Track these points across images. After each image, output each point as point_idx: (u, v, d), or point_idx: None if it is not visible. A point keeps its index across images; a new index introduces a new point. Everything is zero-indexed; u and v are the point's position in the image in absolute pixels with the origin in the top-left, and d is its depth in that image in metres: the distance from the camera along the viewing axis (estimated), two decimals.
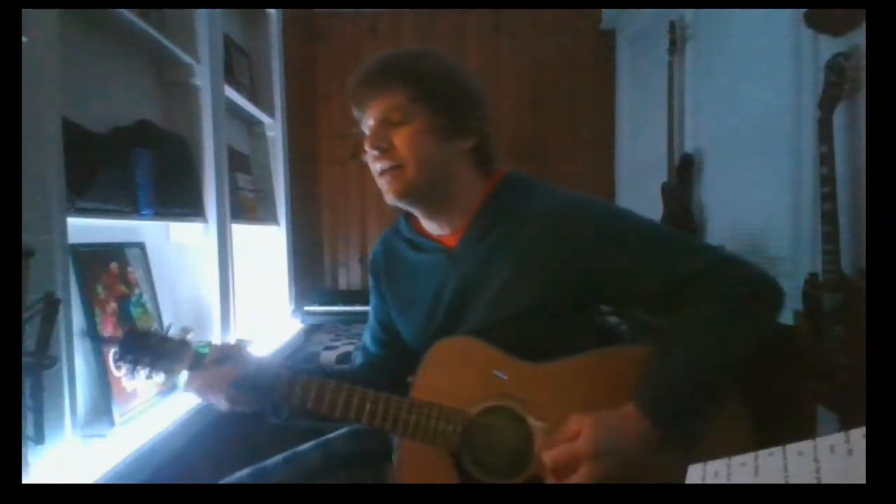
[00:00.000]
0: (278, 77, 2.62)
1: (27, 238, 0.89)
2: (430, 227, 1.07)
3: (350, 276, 3.45)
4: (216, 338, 1.75)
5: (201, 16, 1.72)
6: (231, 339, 1.82)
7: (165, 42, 1.54)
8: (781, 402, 1.08)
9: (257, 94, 2.50)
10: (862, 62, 1.47)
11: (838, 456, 0.48)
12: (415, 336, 1.08)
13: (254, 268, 2.45)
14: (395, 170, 0.97)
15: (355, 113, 1.03)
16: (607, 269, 0.96)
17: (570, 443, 0.84)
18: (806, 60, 1.75)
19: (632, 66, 3.25)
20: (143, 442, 1.22)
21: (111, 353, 1.17)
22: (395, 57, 1.01)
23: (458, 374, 0.95)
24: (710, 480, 0.53)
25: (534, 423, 0.91)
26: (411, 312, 1.09)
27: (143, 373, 1.00)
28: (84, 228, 1.21)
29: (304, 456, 1.12)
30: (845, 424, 1.23)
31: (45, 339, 0.91)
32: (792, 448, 0.51)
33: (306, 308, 2.81)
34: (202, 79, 1.73)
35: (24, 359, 0.86)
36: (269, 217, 2.56)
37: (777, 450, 0.51)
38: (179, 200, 1.61)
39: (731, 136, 2.25)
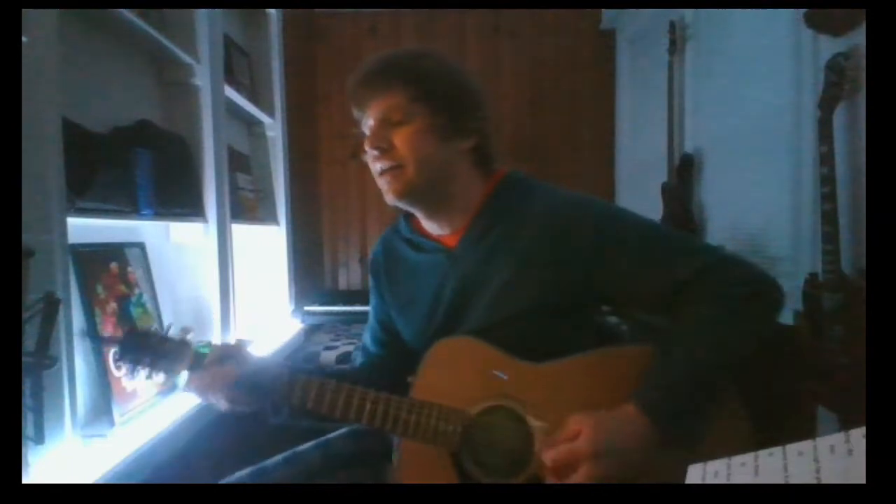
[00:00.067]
0: (278, 77, 2.62)
1: (27, 238, 0.89)
2: (429, 227, 1.07)
3: (350, 276, 3.45)
4: (216, 338, 1.75)
5: (201, 16, 1.72)
6: (231, 339, 1.82)
7: (165, 42, 1.54)
8: (781, 402, 1.08)
9: (257, 94, 2.49)
10: (862, 62, 1.47)
11: (838, 456, 0.48)
12: (415, 336, 1.08)
13: (254, 268, 2.45)
14: (395, 170, 0.97)
15: (355, 113, 1.03)
16: (607, 269, 0.96)
17: (570, 443, 0.84)
18: (806, 60, 1.75)
19: (632, 66, 3.25)
20: (143, 442, 1.22)
21: (111, 353, 1.17)
22: (394, 57, 1.01)
23: (458, 374, 0.95)
24: (710, 480, 0.53)
25: (533, 422, 0.91)
26: (411, 312, 1.09)
27: (143, 373, 1.00)
28: (84, 228, 1.21)
29: (305, 456, 1.12)
30: (845, 424, 1.23)
31: (45, 339, 0.91)
32: (792, 448, 0.51)
33: (306, 308, 2.81)
34: (202, 79, 1.72)
35: (24, 359, 0.86)
36: (269, 217, 2.56)
37: (777, 450, 0.51)
38: (179, 200, 1.61)
39: (731, 136, 2.25)
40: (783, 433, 0.80)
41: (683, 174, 2.53)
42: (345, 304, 2.90)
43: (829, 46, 1.59)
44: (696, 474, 0.54)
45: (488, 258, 1.00)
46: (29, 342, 0.89)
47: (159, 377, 1.02)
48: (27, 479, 0.93)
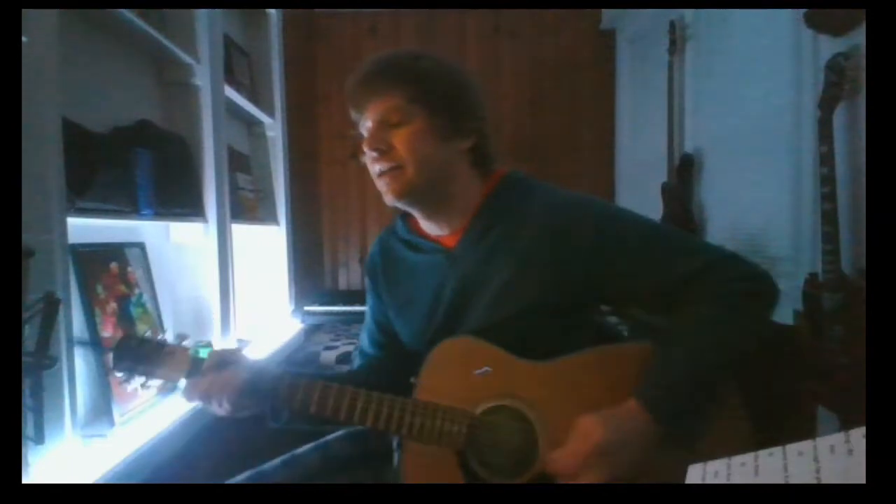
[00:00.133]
0: (278, 77, 2.62)
1: (27, 238, 0.89)
2: (428, 227, 1.07)
3: (350, 276, 3.45)
4: (216, 338, 1.75)
5: (201, 16, 1.72)
6: (231, 339, 1.82)
7: (165, 42, 1.54)
8: (781, 402, 1.08)
9: (257, 94, 2.50)
10: (862, 62, 1.47)
11: (838, 456, 0.48)
12: (413, 337, 1.08)
13: (254, 268, 2.45)
14: (394, 171, 0.97)
15: (353, 114, 1.02)
16: (607, 269, 0.96)
17: (580, 443, 0.84)
18: (806, 60, 1.76)
19: (632, 66, 3.25)
20: (143, 442, 1.22)
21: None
22: (393, 58, 1.00)
23: (461, 374, 0.95)
24: (710, 480, 0.53)
25: (537, 421, 0.92)
26: (410, 313, 1.09)
27: (138, 381, 0.99)
28: (84, 228, 1.21)
29: (303, 459, 1.12)
30: (845, 424, 1.23)
31: (45, 339, 0.91)
32: (792, 448, 0.51)
33: (306, 308, 2.81)
34: (202, 79, 1.73)
35: (24, 359, 0.86)
36: (269, 217, 2.56)
37: (777, 450, 0.51)
38: (179, 200, 1.61)
39: (731, 136, 2.25)
40: (783, 433, 0.80)
41: (683, 174, 2.53)
42: (345, 304, 2.90)
43: (829, 46, 1.59)
44: (696, 474, 0.54)
45: (488, 258, 1.00)
46: (29, 342, 0.89)
47: (156, 384, 1.01)
48: (27, 479, 0.93)
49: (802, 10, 1.64)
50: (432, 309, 1.04)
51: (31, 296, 0.91)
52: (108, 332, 1.25)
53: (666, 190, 2.57)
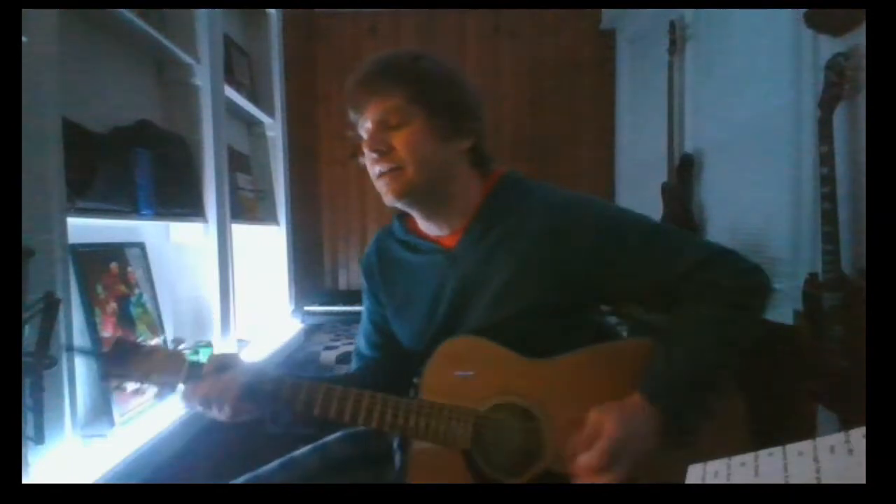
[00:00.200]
0: (278, 77, 2.62)
1: (27, 238, 0.89)
2: (427, 227, 1.07)
3: (350, 276, 3.45)
4: (216, 338, 1.75)
5: (201, 16, 1.72)
6: (231, 340, 1.82)
7: (165, 42, 1.54)
8: (781, 402, 1.08)
9: (257, 94, 2.50)
10: (862, 62, 1.47)
11: (838, 456, 0.48)
12: (412, 337, 1.08)
13: (254, 268, 2.45)
14: (394, 171, 0.97)
15: (351, 115, 1.02)
16: (607, 269, 0.96)
17: (597, 439, 0.84)
18: (806, 60, 1.76)
19: (632, 66, 3.25)
20: (143, 442, 1.22)
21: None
22: (392, 58, 1.00)
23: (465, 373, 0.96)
24: (710, 480, 0.53)
25: (542, 417, 0.92)
26: (408, 313, 1.08)
27: (133, 387, 0.99)
28: (84, 228, 1.21)
29: (302, 461, 1.10)
30: (845, 424, 1.23)
31: (45, 339, 0.91)
32: (792, 448, 0.51)
33: (306, 308, 2.81)
34: (202, 79, 1.72)
35: (24, 359, 0.86)
36: (269, 217, 2.56)
37: (777, 450, 0.51)
38: (179, 200, 1.61)
39: (731, 136, 2.25)
40: (783, 433, 0.80)
41: (683, 174, 2.53)
42: (345, 304, 2.90)
43: (829, 46, 1.59)
44: (696, 474, 0.54)
45: (488, 258, 1.00)
46: (29, 342, 0.89)
47: (153, 389, 1.00)
48: (27, 479, 0.93)
49: (802, 10, 1.64)
50: (432, 309, 1.04)
51: (31, 296, 0.91)
52: (108, 332, 1.25)
53: (666, 190, 2.57)
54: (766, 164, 1.99)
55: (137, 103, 1.58)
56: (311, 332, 2.76)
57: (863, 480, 0.45)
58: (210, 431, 1.45)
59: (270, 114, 2.54)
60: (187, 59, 1.66)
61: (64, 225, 1.05)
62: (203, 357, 1.00)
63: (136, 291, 1.42)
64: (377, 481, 1.10)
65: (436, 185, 0.99)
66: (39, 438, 0.92)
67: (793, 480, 0.48)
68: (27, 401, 0.89)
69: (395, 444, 1.10)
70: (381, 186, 1.00)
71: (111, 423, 1.21)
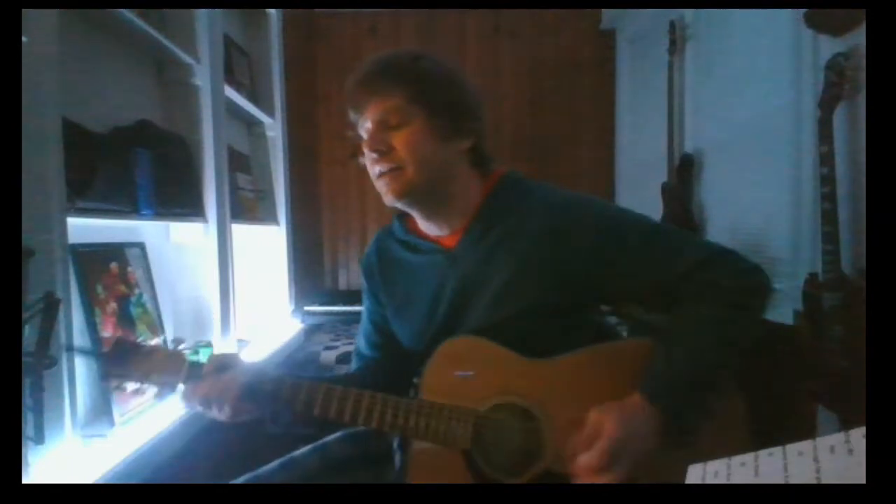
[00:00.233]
0: (278, 77, 2.62)
1: (27, 238, 0.89)
2: (427, 227, 1.07)
3: (350, 276, 3.45)
4: (216, 338, 1.75)
5: (201, 16, 1.71)
6: (231, 340, 1.82)
7: (165, 42, 1.54)
8: (781, 402, 1.08)
9: (257, 94, 2.50)
10: (862, 62, 1.47)
11: (838, 456, 0.48)
12: (412, 337, 1.08)
13: (254, 268, 2.45)
14: (394, 171, 0.97)
15: (351, 115, 1.02)
16: (607, 269, 0.96)
17: (597, 439, 0.84)
18: (806, 60, 1.76)
19: (632, 66, 3.25)
20: (143, 442, 1.22)
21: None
22: (392, 58, 1.00)
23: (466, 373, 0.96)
24: (710, 480, 0.53)
25: (541, 417, 0.92)
26: (408, 313, 1.08)
27: (133, 387, 0.99)
28: (84, 228, 1.21)
29: (302, 461, 1.10)
30: (845, 424, 1.23)
31: (45, 339, 0.91)
32: (792, 448, 0.51)
33: (306, 308, 2.81)
34: (202, 79, 1.72)
35: (24, 359, 0.86)
36: (269, 217, 2.56)
37: (777, 450, 0.51)
38: (179, 200, 1.61)
39: (731, 136, 2.25)
40: (783, 433, 0.80)
41: (683, 174, 2.53)
42: (345, 304, 2.90)
43: (829, 46, 1.59)
44: (696, 474, 0.54)
45: (488, 258, 1.00)
46: (29, 342, 0.89)
47: (152, 389, 1.00)
48: (27, 479, 0.93)
49: (802, 10, 1.64)
50: (432, 309, 1.04)
51: (31, 296, 0.91)
52: (108, 332, 1.25)
53: (666, 190, 2.57)
54: (766, 164, 1.99)
55: (137, 103, 1.58)
56: (311, 332, 2.76)
57: (863, 480, 0.45)
58: (210, 431, 1.45)
59: (270, 114, 2.54)
60: (187, 59, 1.66)
61: (64, 225, 1.05)
62: (203, 357, 1.00)
63: (136, 291, 1.42)
64: (377, 481, 1.10)
65: (436, 185, 0.99)
66: (39, 438, 0.92)
67: (793, 480, 0.48)
68: (27, 401, 0.89)
69: (395, 444, 1.10)
70: (381, 186, 1.00)
71: (111, 423, 1.21)
